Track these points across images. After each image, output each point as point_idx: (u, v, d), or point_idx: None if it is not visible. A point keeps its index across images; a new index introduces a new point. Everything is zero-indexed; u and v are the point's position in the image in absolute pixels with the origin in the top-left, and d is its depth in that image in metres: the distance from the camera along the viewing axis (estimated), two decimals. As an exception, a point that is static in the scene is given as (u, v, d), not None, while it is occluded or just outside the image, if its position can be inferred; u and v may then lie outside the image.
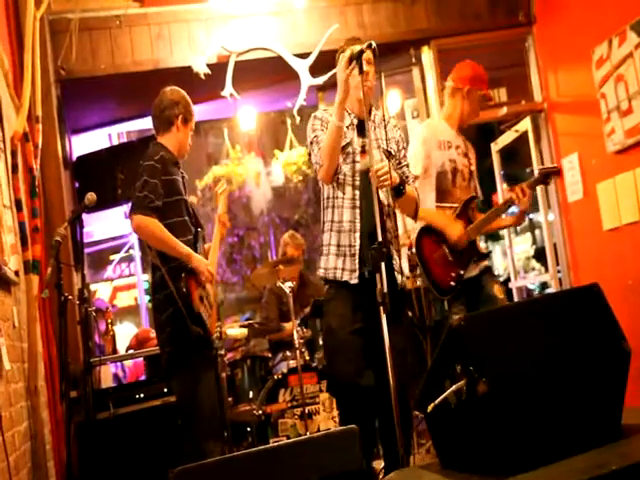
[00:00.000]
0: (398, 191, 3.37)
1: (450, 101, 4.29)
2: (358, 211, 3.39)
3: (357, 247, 3.37)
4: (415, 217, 3.65)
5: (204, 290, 3.65)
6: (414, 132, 4.27)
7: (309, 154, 3.54)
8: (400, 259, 3.53)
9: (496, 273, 4.55)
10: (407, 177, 3.54)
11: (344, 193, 3.43)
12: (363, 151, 3.44)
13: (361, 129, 3.42)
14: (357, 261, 3.36)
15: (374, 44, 3.14)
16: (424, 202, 4.03)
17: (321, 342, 5.23)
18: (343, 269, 3.40)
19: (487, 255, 4.21)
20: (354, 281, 3.36)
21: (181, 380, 3.61)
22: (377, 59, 3.30)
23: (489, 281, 4.13)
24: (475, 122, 5.29)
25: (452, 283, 4.02)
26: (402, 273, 3.51)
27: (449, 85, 4.29)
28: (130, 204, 3.57)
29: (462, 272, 4.03)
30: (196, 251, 3.64)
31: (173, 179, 3.64)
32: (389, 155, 3.47)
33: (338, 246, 3.42)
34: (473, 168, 4.28)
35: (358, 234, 3.38)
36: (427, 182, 4.11)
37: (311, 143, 3.49)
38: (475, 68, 4.31)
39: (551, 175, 4.20)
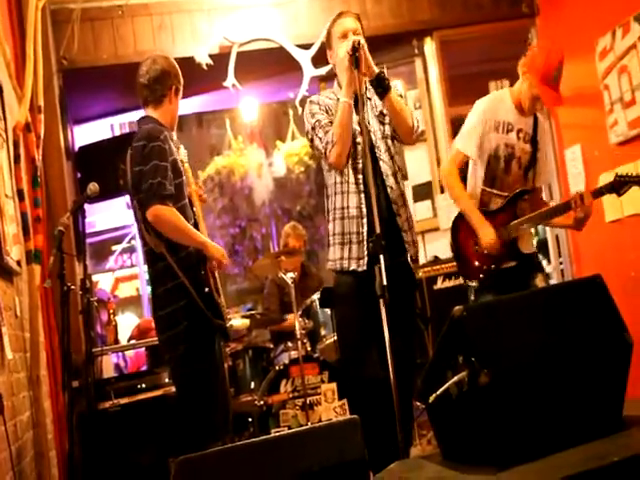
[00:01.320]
0: (381, 82, 3.20)
1: (520, 81, 3.87)
2: (363, 195, 3.29)
3: (365, 233, 3.27)
4: (411, 137, 3.39)
5: (214, 279, 3.45)
6: (475, 105, 3.86)
7: (311, 140, 3.40)
8: (417, 249, 3.43)
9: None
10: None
11: (347, 177, 3.34)
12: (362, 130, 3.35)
13: (357, 106, 3.33)
14: (365, 247, 3.26)
15: (362, 41, 3.14)
16: (471, 184, 3.80)
17: (322, 333, 5.25)
18: (349, 258, 3.31)
19: (525, 257, 3.80)
20: (362, 268, 3.27)
21: (196, 376, 3.39)
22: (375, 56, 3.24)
23: (532, 269, 3.83)
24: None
25: (481, 275, 3.77)
26: (416, 262, 3.46)
27: (521, 64, 3.86)
28: (140, 192, 3.30)
29: (494, 267, 3.74)
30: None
31: (176, 159, 3.40)
32: (384, 116, 3.39)
33: (343, 234, 3.33)
34: (540, 155, 3.85)
35: (365, 220, 3.28)
36: (478, 163, 3.80)
37: (313, 128, 3.36)
38: (547, 56, 3.77)
39: (630, 185, 3.58)
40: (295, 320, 4.86)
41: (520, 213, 3.75)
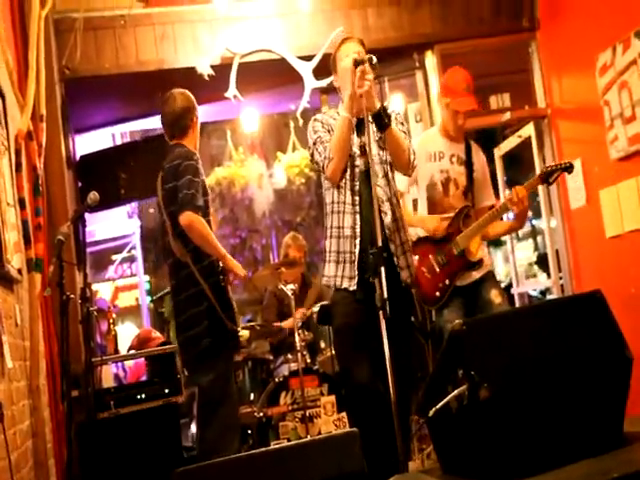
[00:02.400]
0: (380, 119, 3.28)
1: (440, 110, 4.37)
2: (358, 216, 3.36)
3: (357, 253, 3.34)
4: (407, 170, 3.51)
5: (242, 280, 3.95)
6: None
7: (312, 155, 3.49)
8: (412, 272, 3.49)
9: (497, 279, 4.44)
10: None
11: (344, 198, 3.40)
12: (363, 152, 3.41)
13: (360, 128, 3.39)
14: (356, 267, 3.34)
15: (375, 59, 3.21)
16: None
17: (322, 345, 5.24)
18: (342, 276, 3.39)
19: (476, 264, 4.09)
20: (353, 288, 3.35)
21: (213, 372, 3.74)
22: (376, 70, 3.28)
23: (486, 287, 4.12)
24: (478, 127, 5.29)
25: (437, 294, 4.05)
26: (412, 284, 3.51)
27: (437, 97, 4.37)
28: (173, 204, 3.73)
29: (448, 282, 4.04)
30: None
31: (204, 180, 3.82)
32: (384, 141, 3.42)
33: (337, 252, 3.41)
34: (477, 175, 4.22)
35: (358, 240, 3.35)
36: (419, 195, 4.19)
37: (314, 143, 3.45)
38: (450, 76, 4.30)
39: (557, 173, 3.97)
40: (294, 328, 4.86)
41: (464, 227, 4.08)
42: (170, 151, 3.97)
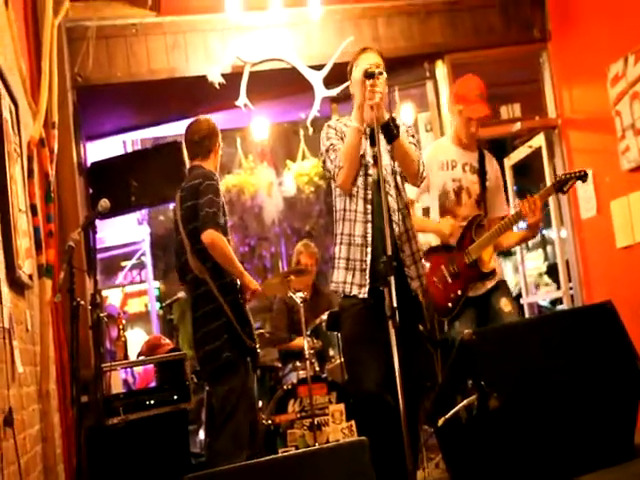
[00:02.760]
0: (388, 131, 3.25)
1: (452, 118, 4.33)
2: (370, 225, 3.34)
3: (368, 262, 3.32)
4: (416, 181, 3.49)
5: (256, 298, 4.04)
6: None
7: (323, 162, 3.48)
8: (422, 282, 3.46)
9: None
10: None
11: (356, 206, 3.38)
12: (376, 162, 3.39)
13: (373, 138, 3.39)
14: (367, 276, 3.32)
15: (384, 74, 3.21)
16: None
17: (331, 353, 5.23)
18: (352, 283, 3.36)
19: (489, 275, 4.05)
20: (362, 295, 3.33)
21: (228, 385, 3.82)
22: (387, 79, 3.28)
23: (497, 296, 4.07)
24: (489, 137, 5.27)
25: (449, 305, 4.02)
26: (422, 294, 3.50)
27: (449, 106, 4.34)
28: (193, 222, 3.84)
29: (460, 293, 4.01)
30: None
31: (223, 202, 3.94)
32: None
33: (347, 260, 3.38)
34: (490, 184, 4.17)
35: (370, 249, 3.32)
36: (431, 204, 4.18)
37: (327, 150, 3.43)
38: (463, 83, 4.28)
39: (571, 182, 3.92)
40: (304, 340, 4.85)
41: (477, 237, 4.04)
42: (190, 171, 4.11)
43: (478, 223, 4.09)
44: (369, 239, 3.34)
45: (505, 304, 4.01)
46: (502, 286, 4.13)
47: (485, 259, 4.05)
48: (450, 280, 4.05)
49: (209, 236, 3.73)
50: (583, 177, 3.90)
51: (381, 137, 3.21)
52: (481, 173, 4.15)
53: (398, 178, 3.45)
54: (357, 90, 3.30)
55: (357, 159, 3.33)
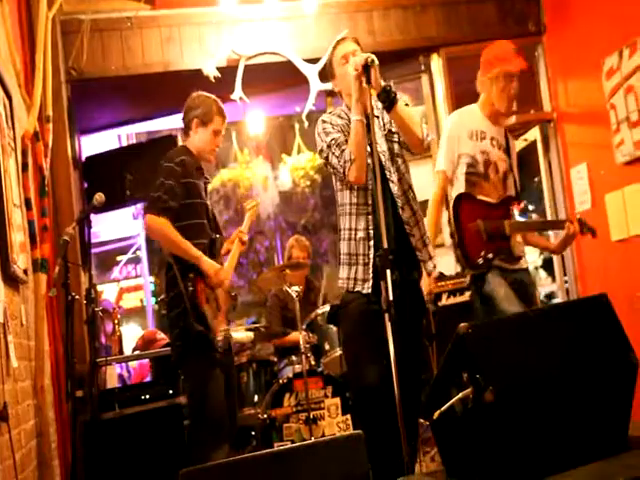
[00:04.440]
0: (386, 97, 3.17)
1: (482, 89, 4.03)
2: (371, 217, 3.30)
3: (370, 256, 3.27)
4: (421, 147, 3.36)
5: (213, 292, 3.70)
6: (446, 121, 4.03)
7: (326, 158, 3.38)
8: (434, 262, 3.42)
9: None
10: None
11: (357, 198, 3.34)
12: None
13: (368, 127, 3.33)
14: (370, 270, 3.27)
15: (376, 61, 3.12)
16: (456, 190, 3.91)
17: (327, 347, 5.23)
18: (355, 279, 3.32)
19: (517, 259, 3.87)
20: (366, 291, 3.29)
21: (187, 378, 3.75)
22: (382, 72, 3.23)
23: (531, 283, 3.95)
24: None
25: (480, 261, 3.79)
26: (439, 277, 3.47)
27: (478, 80, 4.04)
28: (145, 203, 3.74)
29: (491, 256, 3.77)
30: (213, 256, 3.71)
31: (193, 182, 3.73)
32: (392, 134, 3.39)
33: (349, 255, 3.35)
34: (514, 164, 4.02)
35: (372, 242, 3.28)
36: (454, 177, 3.95)
37: (329, 146, 3.34)
38: (493, 48, 4.06)
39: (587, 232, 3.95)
40: (299, 334, 4.86)
41: (512, 215, 3.87)
42: None
43: (511, 203, 3.92)
44: (371, 232, 3.30)
45: (536, 297, 3.92)
46: (532, 275, 3.98)
47: (517, 242, 3.90)
48: (485, 237, 3.78)
49: (145, 221, 3.65)
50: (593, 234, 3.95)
51: (376, 129, 3.17)
52: (507, 151, 3.99)
53: (400, 161, 3.40)
54: (350, 87, 3.21)
55: (365, 150, 3.23)
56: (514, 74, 3.93)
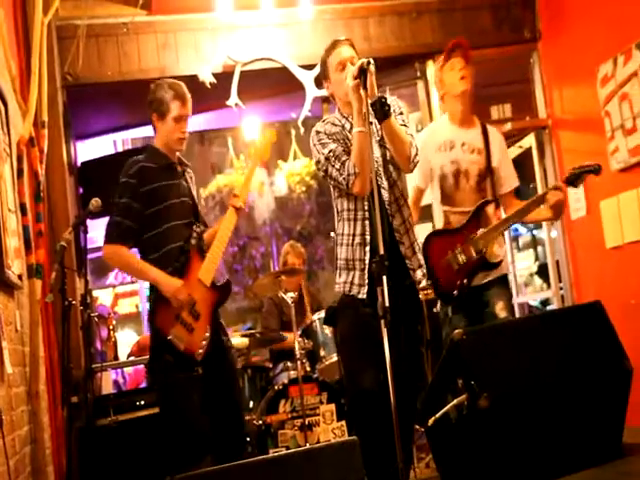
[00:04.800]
0: (380, 108, 3.12)
1: (441, 101, 4.15)
2: (368, 223, 3.29)
3: (367, 261, 3.27)
4: (409, 165, 3.32)
5: (184, 306, 3.44)
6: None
7: (325, 170, 3.32)
8: (424, 272, 3.41)
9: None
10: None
11: (355, 204, 3.33)
12: None
13: None
14: (366, 275, 3.27)
15: (372, 61, 3.08)
16: (435, 208, 4.02)
17: (322, 353, 5.23)
18: (352, 283, 3.32)
19: (495, 265, 3.89)
20: (362, 296, 3.28)
21: (160, 388, 3.59)
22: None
23: (496, 297, 3.91)
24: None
25: (455, 292, 3.87)
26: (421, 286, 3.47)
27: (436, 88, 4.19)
28: None
29: (466, 282, 3.85)
30: (199, 250, 3.54)
31: (157, 187, 3.54)
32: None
33: (347, 260, 3.35)
34: (496, 161, 4.00)
35: (368, 247, 3.27)
36: (431, 186, 4.05)
37: (327, 158, 3.29)
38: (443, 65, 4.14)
39: (584, 176, 3.90)
40: (295, 340, 4.86)
41: (484, 224, 3.88)
42: None
43: (484, 210, 3.93)
44: (367, 237, 3.29)
45: (501, 309, 3.88)
46: (503, 284, 4.00)
47: (493, 249, 3.89)
48: (456, 267, 3.88)
49: (103, 251, 3.52)
50: (596, 170, 3.84)
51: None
52: (486, 151, 4.00)
53: (391, 168, 3.37)
54: (352, 96, 3.14)
55: (370, 161, 3.12)
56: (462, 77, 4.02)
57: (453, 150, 3.99)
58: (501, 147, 4.09)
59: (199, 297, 3.48)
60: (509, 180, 4.07)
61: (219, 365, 3.55)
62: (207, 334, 3.47)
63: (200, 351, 3.42)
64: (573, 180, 3.88)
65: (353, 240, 3.34)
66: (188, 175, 3.76)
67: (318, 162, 3.36)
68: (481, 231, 3.87)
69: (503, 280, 4.01)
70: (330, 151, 3.30)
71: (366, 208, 3.31)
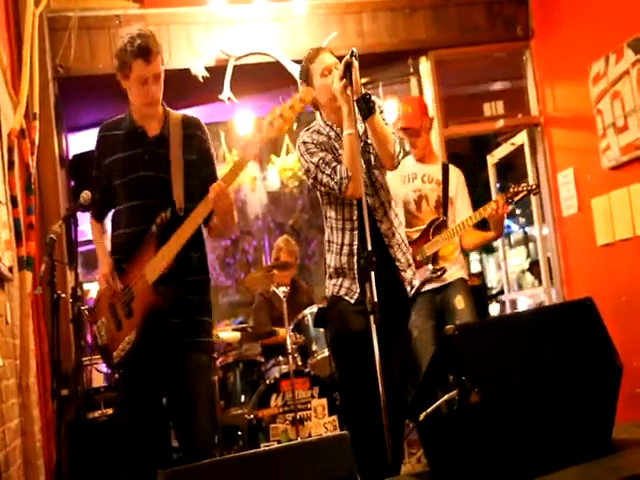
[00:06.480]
0: (365, 105, 3.11)
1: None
2: (356, 233, 3.29)
3: (355, 271, 3.28)
4: (392, 162, 3.32)
5: (121, 299, 2.99)
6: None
7: (314, 178, 3.28)
8: (414, 271, 3.45)
9: (489, 285, 4.55)
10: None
11: (343, 213, 3.33)
12: None
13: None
14: (357, 283, 3.28)
15: (355, 50, 3.07)
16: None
17: (314, 348, 5.24)
18: (341, 286, 3.34)
19: (437, 271, 4.27)
20: (352, 300, 3.29)
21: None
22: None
23: (453, 293, 4.33)
24: (473, 133, 5.34)
25: (411, 293, 4.01)
26: (411, 284, 3.48)
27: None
28: None
29: (418, 285, 4.24)
30: (158, 239, 2.89)
31: (113, 160, 3.08)
32: (369, 145, 3.33)
33: (336, 268, 3.35)
34: (453, 194, 4.45)
35: (356, 257, 3.27)
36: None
37: (317, 166, 3.27)
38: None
39: (522, 195, 4.04)
40: (286, 334, 4.86)
41: (432, 237, 4.31)
42: None
43: (437, 225, 4.33)
44: (355, 248, 3.29)
45: (459, 301, 4.30)
46: (459, 284, 4.38)
47: (442, 256, 4.31)
48: None
49: None
50: (534, 191, 4.07)
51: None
52: (444, 184, 4.43)
53: (376, 172, 3.36)
54: (341, 98, 3.13)
55: (360, 163, 3.17)
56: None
57: (415, 181, 4.49)
58: (460, 184, 4.54)
59: (138, 294, 2.92)
60: (463, 213, 4.41)
61: (175, 388, 2.99)
62: (133, 338, 2.90)
63: (121, 353, 2.94)
64: (512, 200, 4.10)
65: (341, 250, 3.33)
66: (188, 143, 3.14)
67: (308, 170, 3.33)
68: (429, 243, 4.29)
69: (459, 282, 4.39)
70: (320, 159, 3.28)
71: (354, 217, 3.30)
